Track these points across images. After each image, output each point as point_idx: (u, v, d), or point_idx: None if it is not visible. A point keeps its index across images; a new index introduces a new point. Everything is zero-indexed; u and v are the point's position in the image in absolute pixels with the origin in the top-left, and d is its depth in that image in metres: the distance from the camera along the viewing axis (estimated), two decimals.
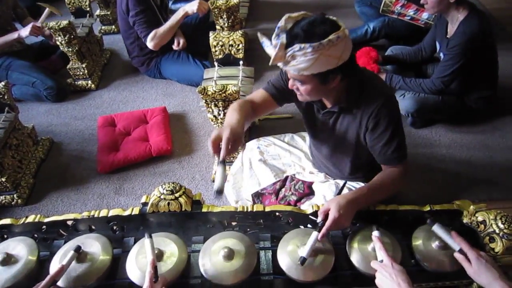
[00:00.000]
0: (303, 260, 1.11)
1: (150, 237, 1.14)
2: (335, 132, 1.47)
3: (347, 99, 1.34)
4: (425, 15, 2.94)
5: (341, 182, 1.60)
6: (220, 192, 1.14)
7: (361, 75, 1.33)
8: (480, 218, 1.20)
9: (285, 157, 1.84)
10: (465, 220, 1.26)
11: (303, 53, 1.11)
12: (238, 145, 1.27)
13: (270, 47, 1.17)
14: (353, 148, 1.46)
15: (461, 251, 1.06)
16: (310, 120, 1.54)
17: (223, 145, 1.21)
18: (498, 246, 1.13)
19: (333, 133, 1.48)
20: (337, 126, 1.44)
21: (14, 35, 2.70)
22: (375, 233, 1.14)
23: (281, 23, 1.15)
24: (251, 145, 1.89)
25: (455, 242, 1.09)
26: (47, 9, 2.87)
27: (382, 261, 1.07)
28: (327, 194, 1.56)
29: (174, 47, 2.90)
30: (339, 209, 1.16)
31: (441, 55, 2.27)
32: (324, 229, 1.14)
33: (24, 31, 2.67)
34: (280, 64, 1.19)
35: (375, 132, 1.33)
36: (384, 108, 1.30)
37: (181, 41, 2.90)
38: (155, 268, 1.07)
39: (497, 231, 1.13)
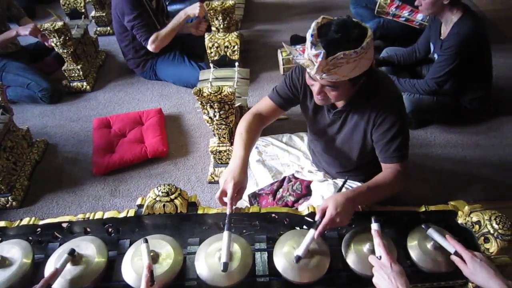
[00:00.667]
0: (298, 259, 1.11)
1: (146, 242, 1.13)
2: (343, 130, 1.48)
3: (359, 97, 1.35)
4: (419, 16, 2.96)
5: (339, 182, 1.60)
6: (226, 266, 1.09)
7: (373, 73, 1.34)
8: (475, 219, 1.20)
9: (284, 157, 1.84)
10: (460, 221, 1.27)
11: (347, 60, 1.11)
12: (242, 192, 1.31)
13: (301, 57, 1.15)
14: (359, 146, 1.47)
15: (456, 253, 1.07)
16: (317, 121, 1.55)
17: (228, 202, 1.24)
18: (493, 247, 1.14)
19: (340, 131, 1.49)
20: (346, 124, 1.46)
21: (12, 33, 2.69)
22: (374, 226, 1.13)
23: (314, 30, 1.13)
24: None
25: (450, 245, 1.09)
26: (53, 16, 2.88)
27: (380, 257, 1.06)
28: (325, 193, 1.57)
29: (199, 32, 2.90)
30: (336, 207, 1.16)
31: (435, 56, 2.28)
32: (320, 227, 1.14)
33: (24, 30, 2.66)
34: (317, 75, 1.16)
35: (381, 128, 1.35)
36: (392, 106, 1.33)
37: (202, 25, 2.92)
38: (151, 272, 1.07)
39: (491, 231, 1.14)
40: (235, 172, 1.30)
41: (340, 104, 1.42)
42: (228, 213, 1.22)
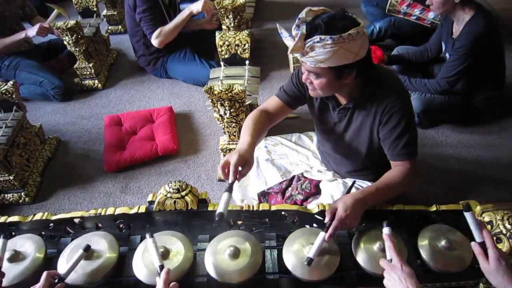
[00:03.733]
0: (309, 261, 1.11)
1: (152, 237, 1.14)
2: (350, 128, 1.47)
3: (363, 95, 1.35)
4: (431, 15, 2.93)
5: (349, 182, 1.59)
6: (221, 217, 1.12)
7: (377, 71, 1.33)
8: (487, 219, 1.19)
9: (293, 157, 1.84)
10: None
11: (323, 44, 1.12)
12: (248, 170, 1.29)
13: (289, 38, 1.19)
14: (366, 144, 1.46)
15: (482, 245, 1.02)
16: (323, 118, 1.54)
17: (230, 170, 1.23)
18: (505, 247, 1.13)
19: (347, 129, 1.49)
20: (352, 123, 1.45)
21: (22, 35, 2.72)
22: (385, 230, 1.12)
23: (302, 14, 1.17)
24: (259, 144, 1.90)
25: (480, 234, 1.03)
26: (55, 10, 2.89)
27: (391, 260, 1.06)
28: (335, 193, 1.56)
29: (212, 26, 2.91)
30: (346, 209, 1.16)
31: (447, 55, 2.26)
32: (331, 229, 1.14)
33: (31, 31, 2.69)
34: (297, 55, 1.20)
35: (388, 126, 1.34)
36: (398, 103, 1.32)
37: (214, 21, 2.94)
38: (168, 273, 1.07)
39: (504, 231, 1.13)
40: (240, 149, 1.30)
41: (343, 101, 1.42)
42: (230, 181, 1.22)
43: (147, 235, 1.14)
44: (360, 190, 1.27)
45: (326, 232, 1.14)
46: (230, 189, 1.19)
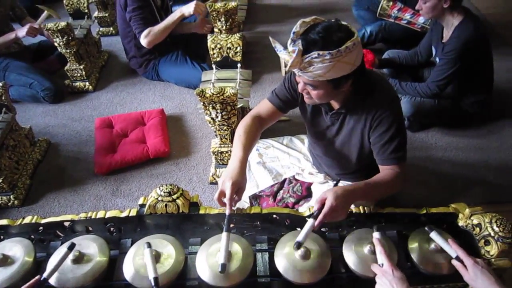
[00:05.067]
0: (298, 245, 1.10)
1: (149, 246, 1.14)
2: (341, 132, 1.48)
3: (355, 99, 1.36)
4: (421, 19, 2.97)
5: (340, 184, 1.60)
6: (224, 267, 1.09)
7: (368, 76, 1.34)
8: (475, 221, 1.21)
9: (284, 159, 1.85)
10: (460, 223, 1.27)
11: (321, 60, 1.12)
12: (241, 193, 1.30)
13: (284, 52, 1.17)
14: (357, 148, 1.47)
15: (457, 258, 1.07)
16: (315, 122, 1.55)
17: (227, 202, 1.24)
18: (493, 249, 1.14)
19: (339, 133, 1.50)
20: (344, 126, 1.46)
21: (11, 35, 2.70)
22: (376, 235, 1.14)
23: (296, 28, 1.16)
24: None
25: (452, 249, 1.10)
26: (45, 11, 2.87)
27: (382, 265, 1.07)
28: None
29: (205, 31, 2.90)
30: (336, 198, 1.16)
31: (437, 59, 2.29)
32: (320, 216, 1.14)
33: (21, 32, 2.67)
34: (295, 70, 1.20)
35: (378, 130, 1.35)
36: (388, 108, 1.33)
37: (207, 26, 2.93)
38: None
39: (492, 234, 1.14)
40: (233, 173, 1.29)
41: (336, 105, 1.42)
42: (227, 213, 1.22)
43: (145, 245, 1.14)
44: (349, 184, 1.28)
45: (315, 219, 1.14)
46: (228, 227, 1.18)
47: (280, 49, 1.18)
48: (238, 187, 1.28)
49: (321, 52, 1.11)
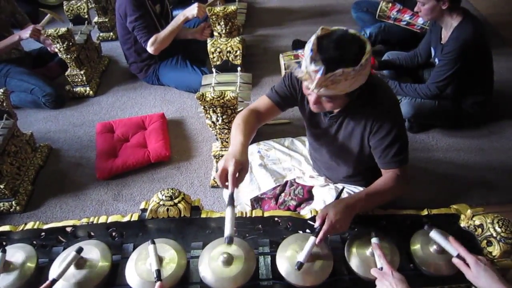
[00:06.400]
0: (300, 265, 1.11)
1: (153, 243, 1.14)
2: (340, 135, 1.48)
3: (355, 103, 1.36)
4: (420, 20, 2.98)
5: (340, 187, 1.61)
6: (231, 239, 1.10)
7: (369, 80, 1.34)
8: (477, 222, 1.21)
9: (285, 161, 1.85)
10: (462, 224, 1.27)
11: (345, 77, 1.12)
12: (244, 174, 1.26)
13: (299, 70, 1.17)
14: (357, 151, 1.47)
15: (459, 256, 1.07)
16: (314, 124, 1.55)
17: (229, 179, 1.20)
18: (495, 250, 1.14)
19: (338, 136, 1.49)
20: (343, 129, 1.46)
21: (15, 37, 2.71)
22: (374, 240, 1.15)
23: (314, 45, 1.13)
24: (252, 149, 1.90)
25: (452, 248, 1.10)
26: (48, 14, 2.88)
27: (382, 268, 1.08)
28: (327, 198, 1.57)
29: (204, 36, 2.91)
30: (336, 214, 1.17)
31: (436, 60, 2.29)
32: (321, 234, 1.15)
33: (25, 33, 2.68)
34: (316, 89, 1.17)
35: (378, 134, 1.35)
36: (388, 112, 1.33)
37: (207, 30, 2.93)
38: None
39: (494, 234, 1.14)
40: (236, 153, 1.26)
41: (335, 109, 1.43)
42: (230, 191, 1.20)
43: (149, 242, 1.15)
44: (350, 195, 1.29)
45: (316, 236, 1.15)
46: (232, 202, 1.17)
47: (296, 67, 1.18)
48: (241, 166, 1.24)
49: (346, 70, 1.10)
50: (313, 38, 1.14)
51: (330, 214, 1.17)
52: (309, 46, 1.13)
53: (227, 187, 1.22)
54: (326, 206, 1.21)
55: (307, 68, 1.14)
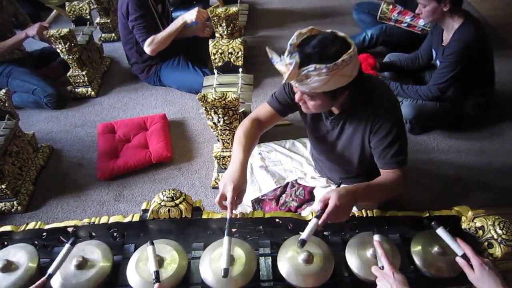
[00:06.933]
0: (303, 242, 1.10)
1: (152, 244, 1.14)
2: (342, 136, 1.48)
3: (354, 105, 1.36)
4: (421, 22, 2.98)
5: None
6: (226, 272, 1.10)
7: (368, 81, 1.35)
8: (478, 224, 1.21)
9: (287, 163, 1.85)
10: (463, 226, 1.27)
11: (318, 73, 1.12)
12: (242, 196, 1.31)
13: (280, 63, 1.18)
14: (358, 152, 1.47)
15: (464, 256, 1.06)
16: (316, 127, 1.55)
17: (228, 206, 1.24)
18: (496, 252, 1.14)
19: (339, 138, 1.50)
20: (344, 131, 1.46)
21: (22, 35, 2.72)
22: (376, 237, 1.15)
23: (293, 40, 1.16)
24: (253, 151, 1.90)
25: (458, 246, 1.09)
26: (54, 10, 2.88)
27: (383, 267, 1.07)
28: None
29: (206, 34, 2.91)
30: (339, 197, 1.16)
31: (438, 62, 2.29)
32: (324, 215, 1.14)
33: (31, 31, 2.70)
34: (292, 82, 1.20)
35: (378, 135, 1.35)
36: (388, 113, 1.33)
37: (207, 29, 2.93)
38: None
39: (495, 236, 1.14)
40: (234, 175, 1.29)
41: (336, 110, 1.43)
42: (228, 217, 1.22)
43: (148, 243, 1.15)
44: (352, 185, 1.28)
45: (318, 219, 1.14)
46: (230, 232, 1.18)
47: (276, 60, 1.19)
48: (239, 190, 1.28)
49: (317, 66, 1.11)
50: (295, 34, 1.17)
51: (333, 198, 1.16)
52: (289, 41, 1.16)
53: (226, 209, 1.25)
54: (328, 191, 1.21)
55: (283, 61, 1.16)
